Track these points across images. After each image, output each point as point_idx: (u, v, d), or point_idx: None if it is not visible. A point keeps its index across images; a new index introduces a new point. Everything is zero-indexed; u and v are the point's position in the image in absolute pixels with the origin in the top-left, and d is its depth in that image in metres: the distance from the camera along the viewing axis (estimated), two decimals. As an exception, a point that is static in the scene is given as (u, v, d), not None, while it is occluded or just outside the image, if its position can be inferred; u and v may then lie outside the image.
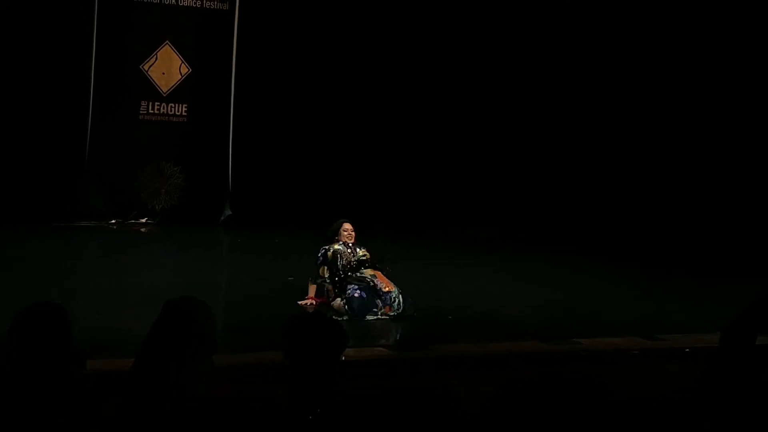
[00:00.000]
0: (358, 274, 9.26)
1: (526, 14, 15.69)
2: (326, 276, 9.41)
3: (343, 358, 3.92)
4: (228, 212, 15.32)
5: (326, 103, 15.49)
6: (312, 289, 9.44)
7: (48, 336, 3.83)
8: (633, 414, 2.91)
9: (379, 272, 9.36)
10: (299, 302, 9.33)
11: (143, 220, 15.00)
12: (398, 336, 8.81)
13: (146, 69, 14.86)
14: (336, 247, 9.48)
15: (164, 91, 14.99)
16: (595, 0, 15.28)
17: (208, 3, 15.09)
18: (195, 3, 15.03)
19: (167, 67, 14.99)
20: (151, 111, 14.95)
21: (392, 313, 9.09)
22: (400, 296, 9.16)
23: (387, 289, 9.18)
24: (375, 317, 9.03)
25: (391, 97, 15.66)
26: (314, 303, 9.33)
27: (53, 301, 4.10)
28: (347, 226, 9.71)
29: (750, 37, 13.84)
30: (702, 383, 5.04)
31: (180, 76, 15.05)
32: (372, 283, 9.15)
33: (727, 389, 4.88)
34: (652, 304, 10.37)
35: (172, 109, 15.06)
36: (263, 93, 15.30)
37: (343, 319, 8.59)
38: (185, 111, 15.13)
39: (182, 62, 15.04)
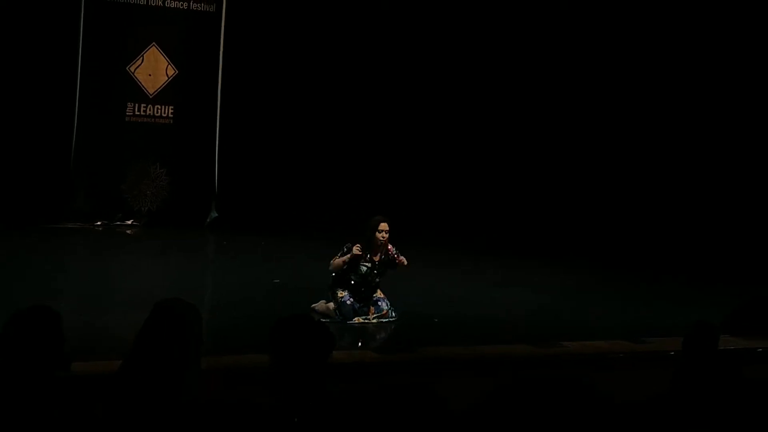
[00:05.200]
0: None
1: (510, 24, 15.72)
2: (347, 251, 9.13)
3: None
4: (214, 214, 15.29)
5: (313, 104, 15.47)
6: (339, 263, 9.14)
7: (42, 339, 3.83)
8: (619, 417, 2.91)
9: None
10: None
11: (129, 222, 14.96)
12: (386, 339, 8.81)
13: (132, 70, 14.82)
14: (359, 256, 9.09)
15: (151, 93, 14.95)
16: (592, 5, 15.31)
17: (194, 5, 15.06)
18: (182, 5, 15.00)
19: (154, 69, 14.95)
20: (137, 112, 14.91)
21: (385, 319, 9.09)
22: (392, 308, 9.17)
23: (381, 296, 9.19)
24: (361, 321, 9.03)
25: (378, 98, 15.65)
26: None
27: (41, 303, 4.09)
28: (384, 226, 9.12)
29: (742, 42, 13.88)
30: (672, 388, 5.07)
31: (166, 78, 15.02)
32: (365, 292, 9.12)
33: (695, 393, 4.91)
34: (639, 307, 10.40)
35: (159, 110, 15.03)
36: (250, 95, 15.28)
37: (328, 321, 8.58)
38: (171, 113, 15.09)
39: (169, 64, 15.01)
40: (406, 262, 9.15)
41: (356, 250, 8.96)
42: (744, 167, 13.86)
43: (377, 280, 9.22)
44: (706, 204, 14.03)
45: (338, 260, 9.10)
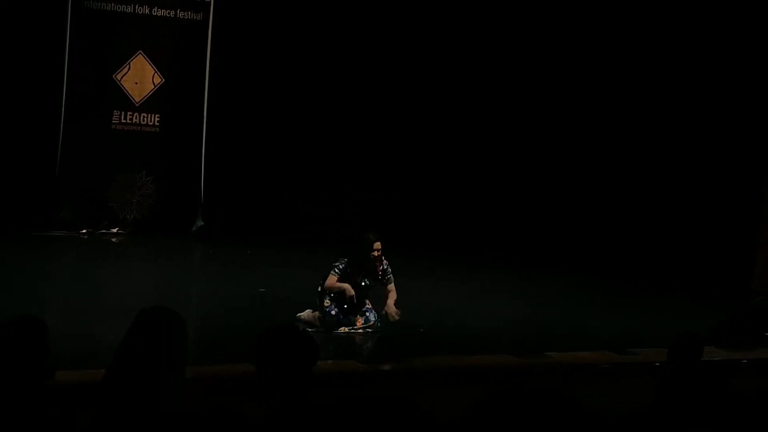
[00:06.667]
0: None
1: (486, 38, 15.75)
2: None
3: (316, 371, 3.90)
4: (200, 223, 15.25)
5: (301, 113, 15.45)
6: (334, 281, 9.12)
7: (27, 349, 3.82)
8: (603, 430, 2.91)
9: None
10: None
11: (114, 230, 14.91)
12: (371, 348, 8.80)
13: (119, 78, 14.79)
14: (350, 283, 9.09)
15: (137, 101, 14.92)
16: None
17: (181, 13, 15.04)
18: (169, 13, 14.97)
19: (140, 77, 14.92)
20: (123, 121, 14.87)
21: (371, 329, 9.09)
22: (379, 319, 9.17)
23: (369, 306, 9.19)
24: (347, 331, 9.02)
25: (366, 108, 15.64)
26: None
27: (26, 311, 4.08)
28: (377, 245, 9.13)
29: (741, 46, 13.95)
30: (656, 400, 5.07)
31: (153, 86, 14.99)
32: (352, 303, 9.09)
33: (680, 404, 4.91)
34: (626, 318, 10.42)
35: (145, 118, 14.99)
36: (236, 103, 15.26)
37: (313, 331, 8.56)
38: (158, 121, 15.06)
39: (155, 72, 14.98)
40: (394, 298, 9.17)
41: (348, 293, 9.00)
42: (732, 180, 13.90)
43: (367, 292, 9.23)
44: (692, 215, 14.07)
45: (334, 283, 9.07)
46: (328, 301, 9.08)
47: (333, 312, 9.04)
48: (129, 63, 14.81)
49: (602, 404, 3.72)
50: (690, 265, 13.17)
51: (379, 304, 9.28)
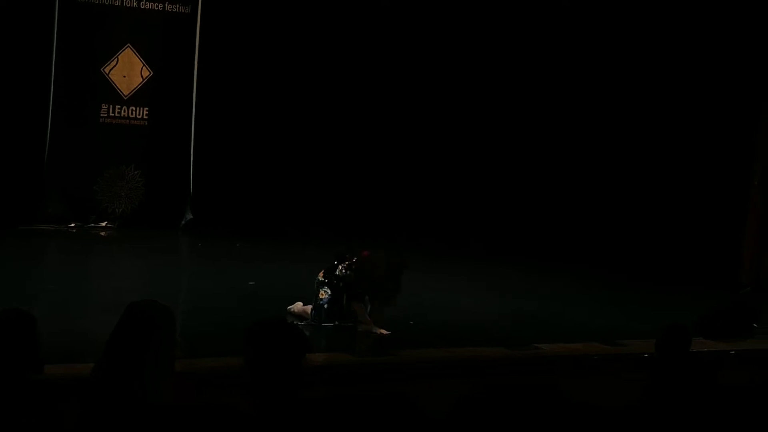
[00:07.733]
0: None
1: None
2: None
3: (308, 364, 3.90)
4: (189, 216, 15.24)
5: (289, 106, 15.43)
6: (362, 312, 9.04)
7: (16, 342, 3.81)
8: (593, 422, 2.91)
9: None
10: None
11: (103, 224, 14.89)
12: (362, 342, 8.80)
13: (107, 72, 14.75)
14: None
15: (125, 94, 14.88)
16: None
17: (170, 6, 15.00)
18: (157, 6, 14.94)
19: (128, 70, 14.88)
20: (111, 114, 14.83)
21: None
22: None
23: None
24: (337, 324, 9.02)
25: (358, 101, 15.62)
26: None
27: (15, 306, 4.07)
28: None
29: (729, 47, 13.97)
30: (645, 391, 5.09)
31: (141, 79, 14.95)
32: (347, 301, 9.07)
33: (669, 395, 4.93)
34: (615, 311, 10.44)
35: (133, 112, 14.96)
36: (225, 97, 15.23)
37: (303, 324, 8.56)
38: (146, 114, 15.03)
39: (144, 65, 14.95)
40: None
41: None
42: (721, 173, 13.93)
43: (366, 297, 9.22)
44: (682, 208, 14.09)
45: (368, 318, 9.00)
46: (323, 292, 9.06)
47: (326, 305, 9.03)
48: (117, 56, 14.77)
49: (591, 396, 3.72)
50: (679, 257, 13.20)
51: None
